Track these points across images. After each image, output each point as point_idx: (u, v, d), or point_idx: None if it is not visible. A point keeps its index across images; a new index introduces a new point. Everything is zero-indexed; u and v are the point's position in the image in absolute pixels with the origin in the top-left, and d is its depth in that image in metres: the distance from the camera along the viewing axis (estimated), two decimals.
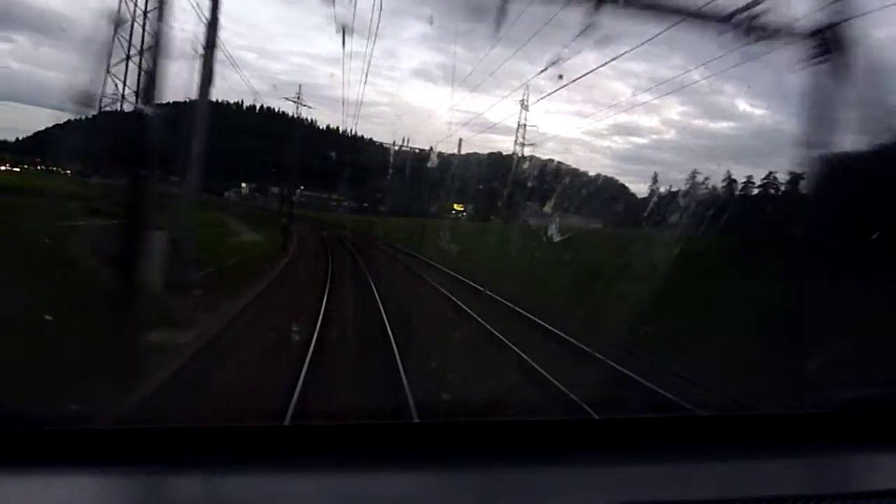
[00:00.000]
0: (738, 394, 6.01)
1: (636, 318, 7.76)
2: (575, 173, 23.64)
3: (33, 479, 1.53)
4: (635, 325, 7.89)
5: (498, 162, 31.81)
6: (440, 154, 29.35)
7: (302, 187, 40.31)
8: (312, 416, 4.39)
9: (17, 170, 33.29)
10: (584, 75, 16.90)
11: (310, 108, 60.66)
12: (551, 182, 19.51)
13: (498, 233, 21.97)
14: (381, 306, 12.26)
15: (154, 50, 9.30)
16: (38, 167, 30.65)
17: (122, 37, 14.48)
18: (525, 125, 30.66)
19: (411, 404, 6.06)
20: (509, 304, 12.89)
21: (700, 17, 8.89)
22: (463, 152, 29.45)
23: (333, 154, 41.14)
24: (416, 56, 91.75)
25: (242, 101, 47.98)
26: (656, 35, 9.68)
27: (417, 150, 32.48)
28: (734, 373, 6.90)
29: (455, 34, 47.42)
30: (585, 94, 66.57)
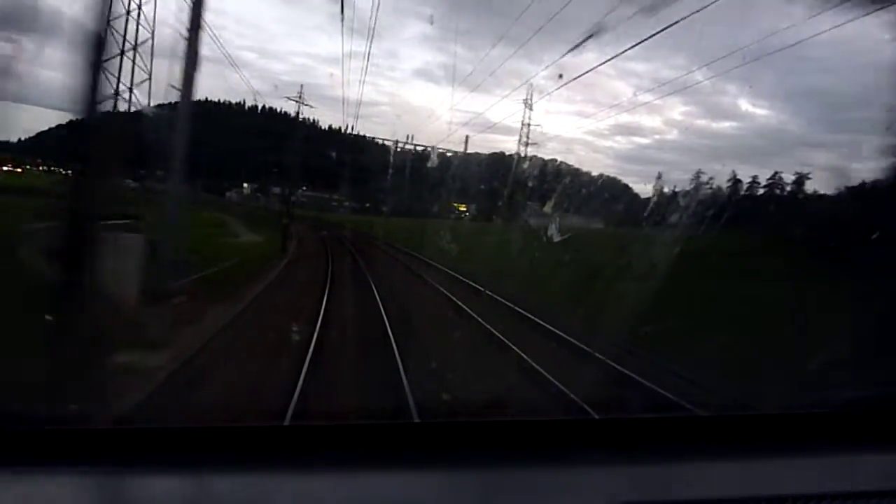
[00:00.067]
0: (738, 394, 6.00)
1: (636, 317, 7.75)
2: (576, 173, 23.67)
3: (33, 479, 1.53)
4: (635, 325, 7.89)
5: (499, 162, 31.86)
6: (441, 153, 29.42)
7: (304, 187, 40.33)
8: (312, 416, 4.39)
9: (19, 170, 33.20)
10: (585, 73, 16.90)
11: (311, 107, 60.75)
12: (552, 182, 19.53)
13: (498, 233, 21.97)
14: (381, 306, 12.25)
15: (150, 47, 8.94)
16: (40, 168, 30.63)
17: (117, 32, 14.17)
18: (529, 124, 30.67)
19: (411, 404, 6.05)
20: (509, 303, 12.87)
21: None
22: (464, 152, 29.51)
23: (334, 154, 41.13)
24: (416, 56, 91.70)
25: (244, 102, 48.01)
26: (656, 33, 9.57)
27: (420, 149, 32.53)
28: (734, 373, 6.90)
29: (456, 34, 47.33)
30: (587, 94, 66.46)
